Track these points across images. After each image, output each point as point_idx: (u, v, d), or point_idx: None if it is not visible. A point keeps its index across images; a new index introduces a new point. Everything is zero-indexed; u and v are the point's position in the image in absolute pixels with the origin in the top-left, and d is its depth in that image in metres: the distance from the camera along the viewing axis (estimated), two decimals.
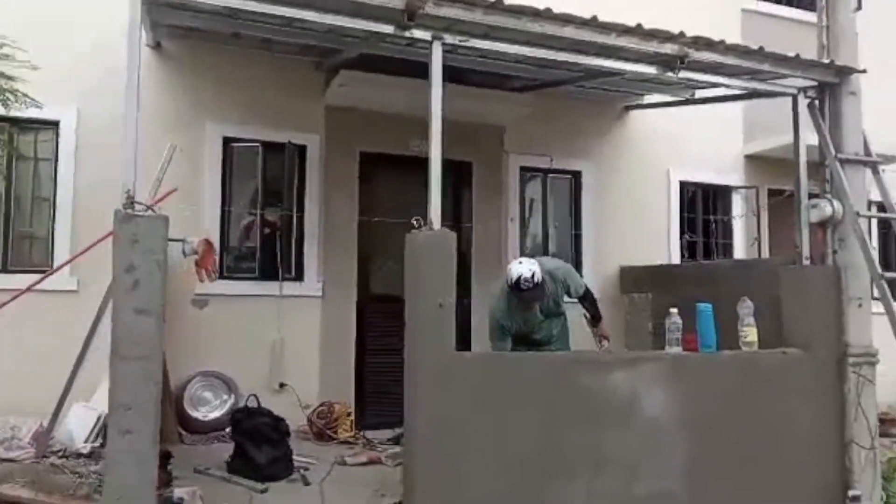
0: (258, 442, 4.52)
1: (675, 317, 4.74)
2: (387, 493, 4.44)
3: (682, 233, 7.63)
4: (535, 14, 4.19)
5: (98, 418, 5.43)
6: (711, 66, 4.82)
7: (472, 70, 6.04)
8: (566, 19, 4.24)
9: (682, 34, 4.52)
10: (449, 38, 4.32)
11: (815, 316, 4.97)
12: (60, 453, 5.12)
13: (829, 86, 5.08)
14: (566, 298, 5.26)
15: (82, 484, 4.48)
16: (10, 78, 4.80)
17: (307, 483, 4.59)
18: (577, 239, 7.25)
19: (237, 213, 6.20)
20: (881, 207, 5.79)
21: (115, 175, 5.70)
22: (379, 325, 6.57)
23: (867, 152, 5.09)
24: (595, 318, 5.33)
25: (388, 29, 4.25)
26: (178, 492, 3.81)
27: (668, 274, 6.75)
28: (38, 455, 5.03)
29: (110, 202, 5.64)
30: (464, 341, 6.77)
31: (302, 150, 6.32)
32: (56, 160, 5.76)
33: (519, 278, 4.78)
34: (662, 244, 7.47)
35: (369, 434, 5.95)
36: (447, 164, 6.81)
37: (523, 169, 7.01)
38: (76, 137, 5.74)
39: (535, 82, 6.51)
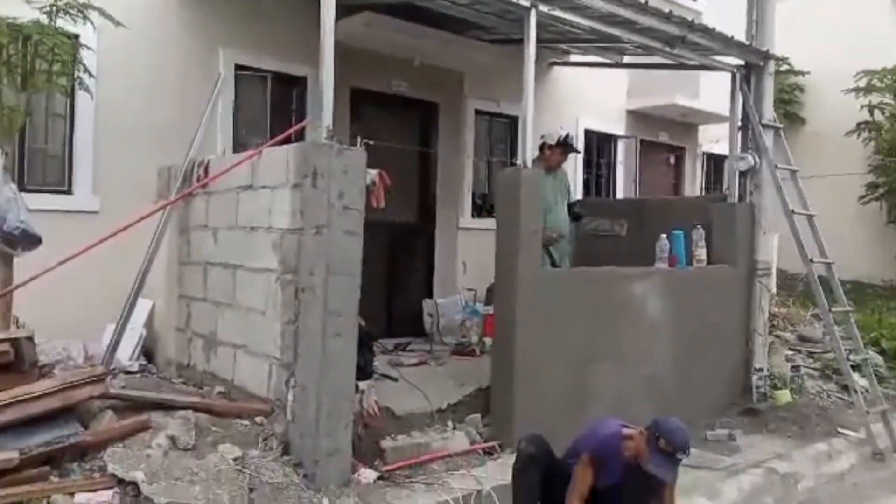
0: (360, 348, 5.11)
1: (663, 241, 6.16)
2: (465, 383, 5.35)
3: (585, 173, 9.13)
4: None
5: (140, 337, 5.58)
6: (691, 45, 6.16)
7: (444, 15, 6.75)
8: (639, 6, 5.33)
9: (688, 19, 5.80)
10: (542, 7, 5.12)
11: (738, 240, 6.69)
12: (115, 371, 5.22)
13: (755, 67, 6.70)
14: None
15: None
16: None
17: (395, 379, 5.33)
18: None
19: (246, 141, 6.35)
20: None
21: (139, 91, 5.74)
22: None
23: (775, 119, 6.85)
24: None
25: None
26: (360, 384, 4.39)
27: (602, 206, 8.15)
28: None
29: (136, 118, 5.67)
30: (429, 265, 7.69)
31: (304, 82, 6.61)
32: (73, 74, 5.50)
33: (569, 135, 6.13)
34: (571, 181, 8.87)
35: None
36: (418, 104, 7.61)
37: (477, 112, 7.91)
38: (97, 53, 5.53)
39: (497, 34, 7.36)
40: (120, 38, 5.38)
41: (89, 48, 5.13)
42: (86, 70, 4.82)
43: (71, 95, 5.51)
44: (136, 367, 5.41)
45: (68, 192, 5.61)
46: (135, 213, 5.15)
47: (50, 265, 4.62)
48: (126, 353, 5.43)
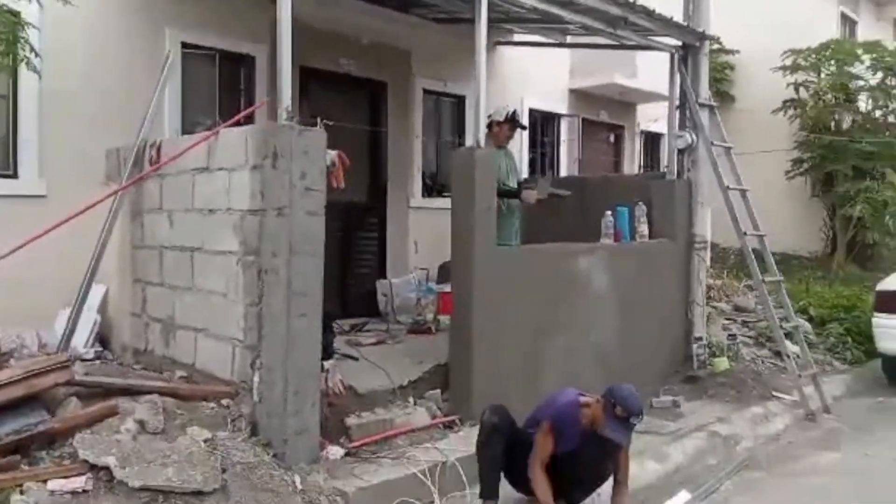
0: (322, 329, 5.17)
1: (608, 217, 6.38)
2: (423, 360, 5.48)
3: (530, 152, 9.31)
4: None
5: (94, 323, 5.51)
6: (633, 26, 6.34)
7: None
8: None
9: (630, 0, 5.98)
10: None
11: (677, 216, 6.97)
12: (71, 358, 5.15)
13: (692, 47, 6.95)
14: None
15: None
16: None
17: (356, 359, 5.42)
18: None
19: (194, 122, 6.27)
20: None
21: (83, 70, 5.59)
22: None
23: (710, 98, 7.14)
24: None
25: None
26: (324, 364, 4.46)
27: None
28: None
29: (81, 98, 5.52)
30: (381, 245, 7.76)
31: (251, 61, 6.56)
32: (16, 53, 5.31)
33: (515, 111, 6.21)
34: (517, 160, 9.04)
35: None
36: (367, 83, 7.62)
37: (425, 91, 7.97)
38: (41, 31, 5.36)
39: (440, 13, 7.42)
40: (64, 15, 5.22)
41: (34, 26, 4.97)
42: (32, 49, 4.68)
43: (14, 75, 5.36)
44: (91, 354, 5.35)
45: (13, 175, 5.46)
46: (84, 196, 5.06)
47: (0, 252, 4.54)
48: (81, 340, 5.35)
